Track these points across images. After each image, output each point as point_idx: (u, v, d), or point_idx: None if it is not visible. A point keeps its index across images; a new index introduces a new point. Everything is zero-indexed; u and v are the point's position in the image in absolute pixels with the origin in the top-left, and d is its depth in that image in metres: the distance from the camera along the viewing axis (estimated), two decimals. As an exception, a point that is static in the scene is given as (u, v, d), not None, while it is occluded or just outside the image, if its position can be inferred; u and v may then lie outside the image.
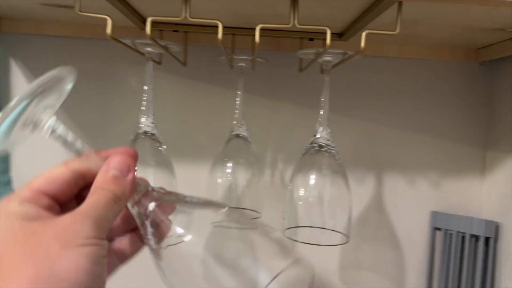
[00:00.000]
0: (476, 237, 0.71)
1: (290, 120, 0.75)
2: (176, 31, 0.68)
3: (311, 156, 0.55)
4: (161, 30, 0.68)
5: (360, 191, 0.76)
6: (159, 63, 0.66)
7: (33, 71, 0.73)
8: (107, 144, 0.74)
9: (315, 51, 0.53)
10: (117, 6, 0.55)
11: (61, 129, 0.30)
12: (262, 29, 0.45)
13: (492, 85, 0.76)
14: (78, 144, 0.30)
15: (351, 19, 0.59)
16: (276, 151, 0.75)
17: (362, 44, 0.45)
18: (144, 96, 0.55)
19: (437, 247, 0.76)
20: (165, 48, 0.53)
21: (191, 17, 0.44)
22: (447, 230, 0.74)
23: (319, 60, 0.54)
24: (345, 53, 0.52)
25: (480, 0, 0.43)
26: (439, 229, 0.75)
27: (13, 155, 0.73)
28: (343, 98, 0.75)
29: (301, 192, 0.55)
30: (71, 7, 0.60)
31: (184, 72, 0.73)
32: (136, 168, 0.30)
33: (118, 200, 0.27)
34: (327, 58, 0.53)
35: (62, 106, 0.32)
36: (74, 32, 0.72)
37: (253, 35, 0.67)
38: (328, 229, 0.54)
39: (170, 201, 0.31)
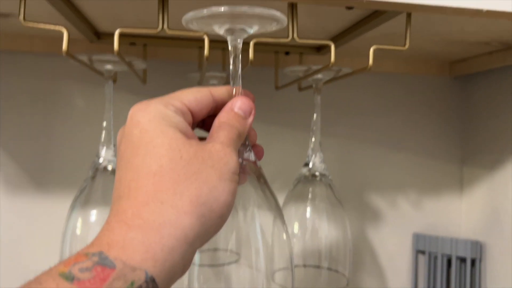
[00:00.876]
0: (461, 259, 0.68)
1: (264, 142, 0.68)
2: (134, 43, 0.59)
3: (304, 186, 0.48)
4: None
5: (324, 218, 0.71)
6: (113, 81, 0.56)
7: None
8: (50, 177, 0.63)
9: (305, 68, 0.46)
10: (66, 15, 0.45)
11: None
12: (254, 44, 0.37)
13: (466, 100, 0.74)
14: None
15: (337, 32, 0.53)
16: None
17: (370, 61, 0.39)
18: (105, 123, 0.45)
19: (421, 271, 0.72)
20: (129, 65, 0.43)
21: (169, 29, 0.36)
22: (431, 252, 0.70)
23: (309, 78, 0.48)
24: (339, 70, 0.46)
25: (493, 14, 0.39)
26: (422, 252, 0.72)
27: None
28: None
29: (295, 227, 0.48)
30: (5, 15, 0.49)
31: (143, 90, 0.63)
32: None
33: (241, 137, 0.29)
34: (318, 76, 0.47)
35: None
36: (5, 44, 0.60)
37: (224, 49, 0.60)
38: (329, 268, 0.48)
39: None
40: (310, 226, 0.48)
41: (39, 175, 0.62)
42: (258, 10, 0.28)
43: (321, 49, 0.62)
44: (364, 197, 0.71)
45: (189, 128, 0.27)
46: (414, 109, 0.73)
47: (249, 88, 0.67)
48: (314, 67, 0.46)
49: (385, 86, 0.72)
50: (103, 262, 0.20)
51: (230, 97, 0.31)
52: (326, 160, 0.69)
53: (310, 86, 0.56)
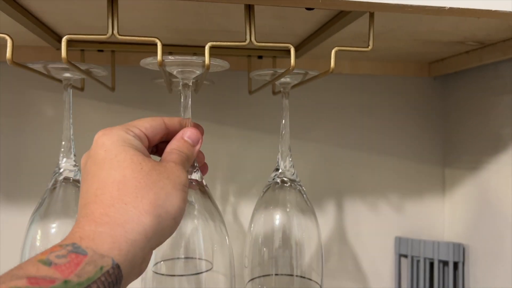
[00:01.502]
0: (444, 262, 0.67)
1: (239, 147, 0.67)
2: (101, 50, 0.58)
3: (274, 192, 0.47)
4: (82, 50, 0.57)
5: (319, 221, 0.69)
6: (80, 89, 0.55)
7: None
8: (13, 187, 0.61)
9: (271, 72, 0.45)
10: (25, 24, 0.44)
11: None
12: (210, 47, 0.36)
13: (446, 100, 0.73)
14: None
15: (306, 34, 0.52)
16: (226, 183, 0.66)
17: (332, 63, 0.38)
18: (64, 132, 0.43)
19: (404, 275, 0.71)
20: (87, 73, 0.42)
21: (120, 34, 0.34)
22: (413, 256, 0.69)
23: (277, 82, 0.46)
24: (306, 73, 0.45)
25: (466, 11, 0.37)
26: (404, 256, 0.70)
27: None
28: (295, 119, 0.68)
29: (266, 235, 0.46)
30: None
31: (112, 97, 0.62)
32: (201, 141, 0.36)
33: (189, 161, 0.34)
34: (286, 79, 0.46)
35: None
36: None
37: (195, 54, 0.59)
38: (297, 276, 0.46)
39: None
40: (280, 233, 0.46)
41: (1, 185, 0.60)
42: (201, 59, 0.35)
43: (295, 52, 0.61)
44: (345, 201, 0.70)
45: (146, 151, 0.31)
46: (394, 110, 0.72)
47: (223, 93, 0.66)
48: (280, 71, 0.45)
49: (364, 88, 0.71)
50: (76, 251, 0.24)
51: (181, 126, 0.36)
52: (306, 164, 0.68)
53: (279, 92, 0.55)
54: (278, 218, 0.46)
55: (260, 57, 0.62)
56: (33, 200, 0.60)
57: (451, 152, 0.72)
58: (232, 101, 0.66)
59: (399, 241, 0.70)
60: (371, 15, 0.38)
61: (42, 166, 0.60)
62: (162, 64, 0.36)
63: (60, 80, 0.44)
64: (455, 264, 0.66)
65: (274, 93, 0.61)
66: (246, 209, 0.67)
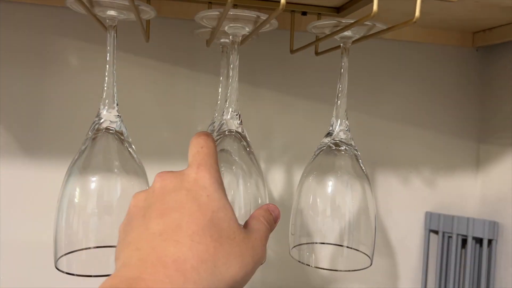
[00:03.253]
0: (478, 240, 0.65)
1: (278, 111, 0.63)
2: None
3: (326, 156, 0.43)
4: (114, -5, 0.52)
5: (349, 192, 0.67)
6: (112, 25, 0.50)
7: None
8: (40, 140, 0.57)
9: (334, 22, 0.41)
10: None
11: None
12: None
13: (487, 72, 0.69)
14: None
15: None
16: (258, 148, 0.63)
17: (417, 12, 0.34)
18: (105, 80, 0.39)
19: (432, 251, 0.69)
20: (137, 10, 0.37)
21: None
22: (444, 232, 0.67)
23: (336, 36, 0.43)
24: (372, 26, 0.41)
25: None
26: (435, 232, 0.68)
27: None
28: (327, 85, 0.64)
29: (315, 201, 0.43)
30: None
31: (142, 49, 0.57)
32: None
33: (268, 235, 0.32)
34: (347, 33, 0.42)
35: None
36: (-11, -8, 0.53)
37: (235, 6, 0.55)
38: (347, 247, 0.44)
39: None
40: (332, 201, 0.43)
41: (29, 137, 0.56)
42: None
43: (341, 10, 0.57)
44: (375, 173, 0.67)
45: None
46: (432, 80, 0.68)
47: (262, 52, 0.62)
48: (344, 21, 0.41)
49: (403, 55, 0.67)
50: None
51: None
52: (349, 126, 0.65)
53: (330, 49, 0.51)
54: (330, 184, 0.43)
55: (304, 13, 0.58)
56: (64, 153, 0.56)
57: (488, 128, 0.69)
58: (271, 60, 0.62)
59: (429, 216, 0.68)
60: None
61: (73, 117, 0.56)
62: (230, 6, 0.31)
63: (101, 22, 0.40)
64: (489, 242, 0.64)
65: (317, 53, 0.57)
66: (277, 176, 0.64)
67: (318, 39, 0.47)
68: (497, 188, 0.67)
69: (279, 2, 0.32)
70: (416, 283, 0.69)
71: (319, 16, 0.58)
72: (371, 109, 0.67)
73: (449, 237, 0.66)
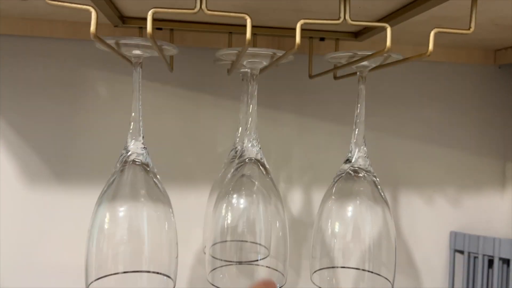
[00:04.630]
0: (505, 261, 0.64)
1: (296, 134, 0.64)
2: (160, 28, 0.55)
3: (346, 183, 0.44)
4: (140, 28, 0.55)
5: (369, 217, 0.67)
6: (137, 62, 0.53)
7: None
8: (73, 169, 0.60)
9: (350, 54, 0.42)
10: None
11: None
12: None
13: (510, 89, 0.69)
14: None
15: (383, 14, 0.49)
16: (278, 169, 0.64)
17: (431, 46, 0.35)
18: (132, 115, 0.42)
19: (458, 271, 0.68)
20: (160, 50, 0.40)
21: (208, 9, 0.32)
22: (470, 252, 0.66)
23: (354, 65, 0.44)
24: (388, 56, 0.42)
25: None
26: (460, 251, 0.67)
27: None
28: (351, 106, 0.65)
29: (337, 226, 0.44)
30: (24, -5, 0.46)
31: (168, 78, 0.60)
32: None
33: None
34: (364, 63, 0.43)
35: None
36: (24, 29, 0.57)
37: (256, 34, 0.57)
38: (370, 271, 0.44)
39: None
40: (351, 225, 0.44)
41: (61, 167, 0.59)
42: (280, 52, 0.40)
43: (359, 35, 0.58)
44: (400, 192, 0.67)
45: None
46: (455, 99, 0.68)
47: (281, 76, 0.63)
48: (360, 53, 0.42)
49: (424, 75, 0.67)
50: None
51: None
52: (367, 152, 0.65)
53: (348, 75, 0.52)
54: (350, 209, 0.44)
55: (322, 39, 0.59)
56: (93, 181, 0.59)
57: (513, 145, 0.68)
58: (290, 84, 0.64)
59: (454, 235, 0.67)
60: (474, -4, 0.35)
61: (102, 147, 0.59)
62: (249, 42, 0.33)
63: (127, 58, 0.42)
64: (516, 263, 0.63)
65: (335, 77, 0.58)
66: (297, 197, 0.65)
67: (336, 67, 0.48)
68: (524, 207, 0.66)
69: (295, 29, 0.34)
70: (442, 303, 0.69)
71: (337, 41, 0.59)
72: (394, 129, 0.67)
73: (475, 257, 0.66)
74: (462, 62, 0.67)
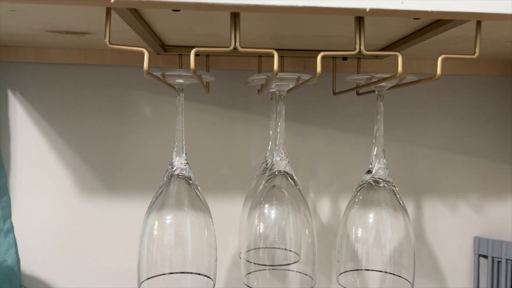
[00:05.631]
0: (528, 265, 0.66)
1: (322, 145, 0.69)
2: (197, 55, 0.62)
3: (367, 192, 0.49)
4: (179, 55, 0.61)
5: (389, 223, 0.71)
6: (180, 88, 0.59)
7: (33, 102, 0.65)
8: (121, 182, 0.67)
9: (368, 76, 0.47)
10: (137, 30, 0.48)
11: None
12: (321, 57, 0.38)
13: (531, 99, 0.71)
14: None
15: (396, 39, 0.53)
16: (307, 180, 0.69)
17: (438, 70, 0.39)
18: (176, 134, 0.48)
19: (483, 276, 0.70)
20: (199, 78, 0.46)
21: (241, 47, 0.38)
22: (494, 257, 0.69)
23: (371, 86, 0.48)
24: (403, 78, 0.46)
25: None
26: (484, 256, 0.70)
27: (14, 201, 0.65)
28: (371, 118, 0.69)
29: (359, 232, 0.49)
30: (81, 33, 0.53)
31: (206, 99, 0.66)
32: None
33: None
34: (382, 83, 0.48)
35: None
36: (79, 57, 0.64)
37: (283, 56, 0.62)
38: (391, 273, 0.48)
39: None
40: (374, 231, 0.48)
41: (112, 180, 0.66)
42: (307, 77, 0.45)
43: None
44: (424, 200, 0.71)
45: None
46: (476, 110, 0.71)
47: (307, 92, 0.68)
48: (377, 76, 0.46)
49: (446, 88, 0.71)
50: None
51: None
52: (386, 162, 0.69)
53: (369, 92, 0.57)
54: (371, 216, 0.48)
55: (344, 58, 0.64)
56: (139, 192, 0.66)
57: (535, 153, 0.71)
58: (316, 100, 0.69)
59: (478, 241, 0.70)
60: (478, 23, 0.39)
61: (147, 161, 0.66)
62: (277, 73, 0.39)
63: (172, 86, 0.49)
64: (540, 267, 0.65)
65: (358, 93, 0.62)
66: (325, 205, 0.69)
67: (357, 86, 0.53)
68: (548, 212, 0.68)
69: (319, 52, 0.39)
70: (468, 307, 0.71)
71: (359, 60, 0.64)
72: (417, 139, 0.71)
73: (499, 261, 0.68)
74: (482, 74, 0.70)
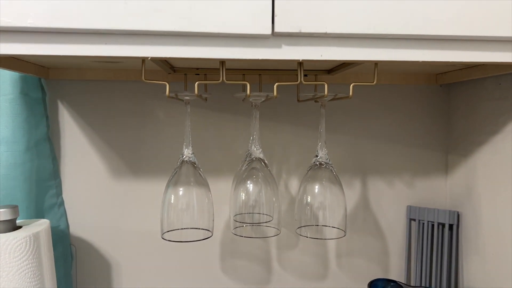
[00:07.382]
0: (442, 225, 0.90)
1: (290, 139, 0.92)
2: (198, 74, 0.85)
3: (315, 171, 0.72)
4: (185, 74, 0.84)
5: (349, 193, 0.95)
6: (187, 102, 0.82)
7: (78, 111, 0.88)
8: (144, 168, 0.90)
9: (312, 94, 0.70)
10: (157, 63, 0.71)
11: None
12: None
13: (449, 103, 0.94)
14: None
15: (330, 67, 0.76)
16: (280, 164, 0.93)
17: (351, 93, 0.62)
18: (185, 134, 0.71)
19: (413, 234, 0.95)
20: (201, 97, 0.69)
21: (227, 80, 0.61)
22: (420, 220, 0.92)
23: (317, 97, 0.72)
24: (335, 95, 0.69)
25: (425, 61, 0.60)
26: (414, 220, 0.94)
27: (64, 182, 0.88)
28: (332, 119, 0.93)
29: (309, 198, 0.72)
30: (116, 62, 0.76)
31: (204, 105, 0.89)
32: None
33: None
34: (324, 98, 0.71)
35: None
36: (111, 76, 0.87)
37: (260, 74, 0.85)
38: (329, 226, 0.72)
39: None
40: (318, 197, 0.72)
41: (137, 166, 0.90)
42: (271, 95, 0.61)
43: (331, 71, 0.85)
44: (368, 179, 0.94)
45: None
46: (408, 111, 0.94)
47: (279, 100, 0.92)
48: (319, 94, 0.70)
49: (384, 94, 0.94)
50: None
51: None
52: (339, 151, 0.93)
53: (311, 99, 0.80)
54: (317, 187, 0.72)
55: (305, 75, 0.87)
56: (157, 175, 0.89)
57: (453, 143, 0.94)
58: (285, 105, 0.92)
59: (409, 208, 0.94)
60: (376, 64, 0.62)
61: (162, 152, 0.89)
62: (249, 96, 0.62)
63: (181, 99, 0.72)
64: (451, 226, 0.89)
65: (299, 100, 0.85)
66: (293, 182, 0.93)
67: (311, 98, 0.76)
68: (460, 187, 0.91)
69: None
70: (402, 257, 0.95)
71: (316, 76, 0.87)
72: (362, 133, 0.94)
73: (423, 223, 0.92)
74: (411, 83, 0.93)
